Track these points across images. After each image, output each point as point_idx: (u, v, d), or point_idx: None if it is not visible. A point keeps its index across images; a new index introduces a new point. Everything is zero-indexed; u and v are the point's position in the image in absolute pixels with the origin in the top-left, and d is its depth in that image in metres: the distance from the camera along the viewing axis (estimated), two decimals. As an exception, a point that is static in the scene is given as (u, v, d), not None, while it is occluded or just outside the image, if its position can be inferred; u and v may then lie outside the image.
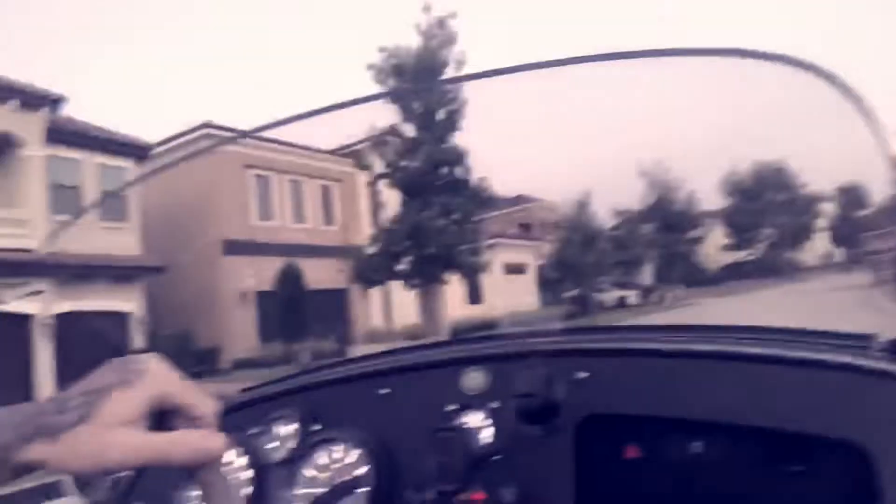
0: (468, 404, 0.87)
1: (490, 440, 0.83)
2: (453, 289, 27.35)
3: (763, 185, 37.91)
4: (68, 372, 14.65)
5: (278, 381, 1.10)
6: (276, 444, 0.99)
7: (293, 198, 22.18)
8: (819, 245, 41.54)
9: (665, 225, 33.07)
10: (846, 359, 0.72)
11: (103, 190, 16.73)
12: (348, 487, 0.89)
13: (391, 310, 23.97)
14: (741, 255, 38.04)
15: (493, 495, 0.80)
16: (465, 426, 0.83)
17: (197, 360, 16.55)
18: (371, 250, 18.56)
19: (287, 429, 0.99)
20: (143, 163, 17.97)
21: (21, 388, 13.97)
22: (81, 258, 15.91)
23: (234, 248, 19.50)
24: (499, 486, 0.80)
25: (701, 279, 32.74)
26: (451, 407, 0.88)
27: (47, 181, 15.43)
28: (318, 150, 22.30)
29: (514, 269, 28.61)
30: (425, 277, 18.77)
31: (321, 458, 0.93)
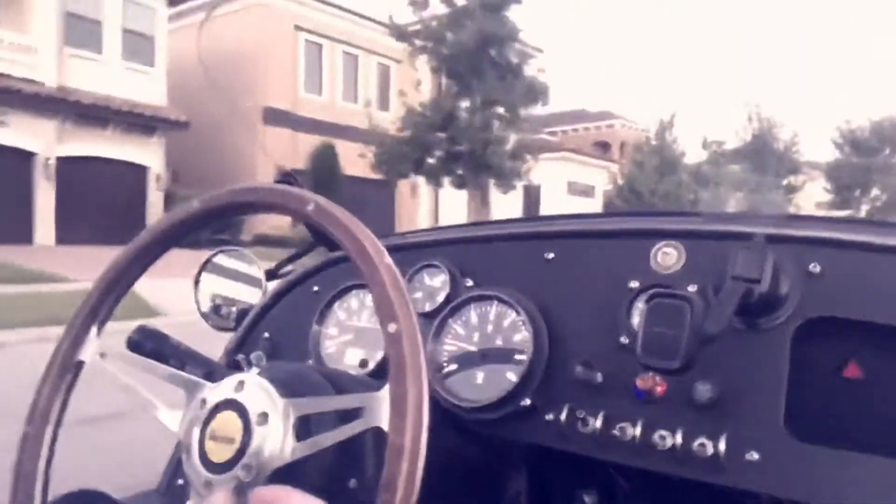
0: (658, 283, 0.75)
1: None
2: (511, 200, 24.97)
3: (882, 139, 34.30)
4: (68, 217, 13.36)
5: (424, 231, 1.00)
6: (421, 294, 0.90)
7: (346, 72, 19.82)
8: None
9: (758, 165, 29.15)
10: None
11: (125, 28, 14.77)
12: (504, 352, 0.81)
13: (438, 214, 21.89)
14: (839, 215, 33.71)
15: (680, 390, 0.69)
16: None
17: (215, 230, 15.02)
18: (399, 137, 16.31)
19: (434, 280, 0.91)
20: (176, 4, 15.87)
21: (24, 225, 13.75)
22: (95, 98, 14.19)
23: (276, 117, 17.83)
24: (691, 380, 0.68)
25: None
26: (635, 283, 0.77)
27: (63, 9, 13.57)
28: (381, 23, 19.69)
29: (581, 191, 25.87)
30: (454, 177, 16.01)
31: (473, 316, 0.85)
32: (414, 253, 0.92)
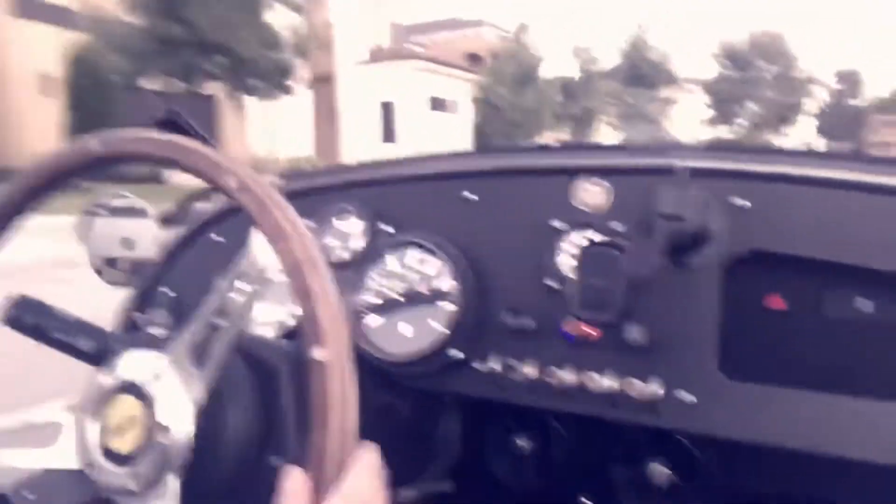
0: (582, 222, 0.77)
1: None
2: (366, 119, 21.52)
3: (759, 53, 34.83)
4: None
5: (334, 172, 0.98)
6: (337, 242, 0.88)
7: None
8: (802, 131, 40.01)
9: (634, 76, 27.23)
10: None
11: None
12: (429, 301, 0.81)
13: (274, 134, 18.43)
14: (720, 131, 33.36)
15: (612, 333, 0.72)
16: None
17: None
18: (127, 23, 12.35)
19: (349, 226, 0.88)
20: None
21: None
22: None
23: (32, 8, 13.31)
24: (621, 322, 0.72)
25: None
26: (559, 223, 0.78)
27: None
28: None
29: (445, 106, 22.90)
30: (204, 78, 12.36)
31: (393, 264, 0.84)
32: (324, 197, 0.89)
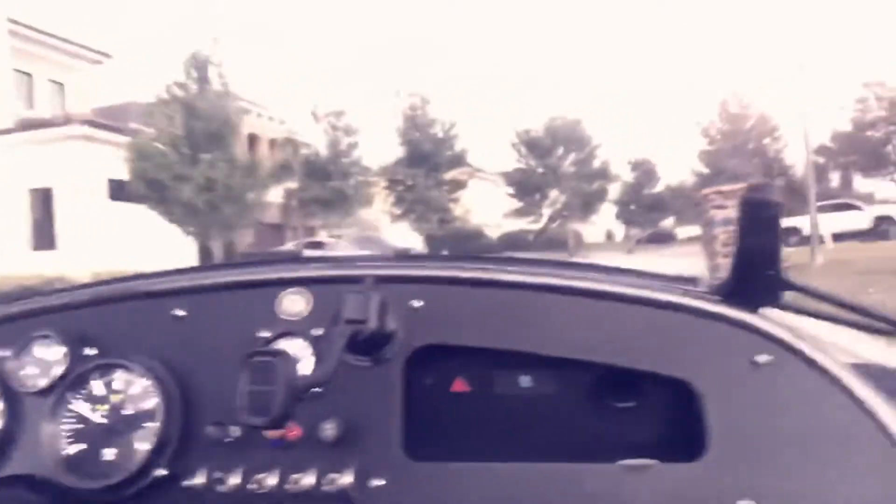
0: (286, 331, 0.87)
1: (310, 370, 0.82)
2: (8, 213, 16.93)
3: (555, 139, 33.73)
4: None
5: (33, 297, 0.99)
6: (36, 370, 0.89)
7: None
8: (604, 220, 41.42)
9: (414, 155, 21.94)
10: (674, 298, 0.81)
11: None
12: (134, 422, 0.84)
13: None
14: (524, 223, 35.65)
15: (310, 431, 0.81)
16: (282, 354, 0.75)
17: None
18: None
19: (50, 352, 0.89)
20: None
21: None
22: None
23: None
24: (318, 421, 0.81)
25: (469, 250, 26.36)
26: (265, 333, 0.87)
27: None
28: None
29: (131, 195, 15.65)
30: None
31: (96, 387, 0.86)
32: (23, 323, 0.89)
